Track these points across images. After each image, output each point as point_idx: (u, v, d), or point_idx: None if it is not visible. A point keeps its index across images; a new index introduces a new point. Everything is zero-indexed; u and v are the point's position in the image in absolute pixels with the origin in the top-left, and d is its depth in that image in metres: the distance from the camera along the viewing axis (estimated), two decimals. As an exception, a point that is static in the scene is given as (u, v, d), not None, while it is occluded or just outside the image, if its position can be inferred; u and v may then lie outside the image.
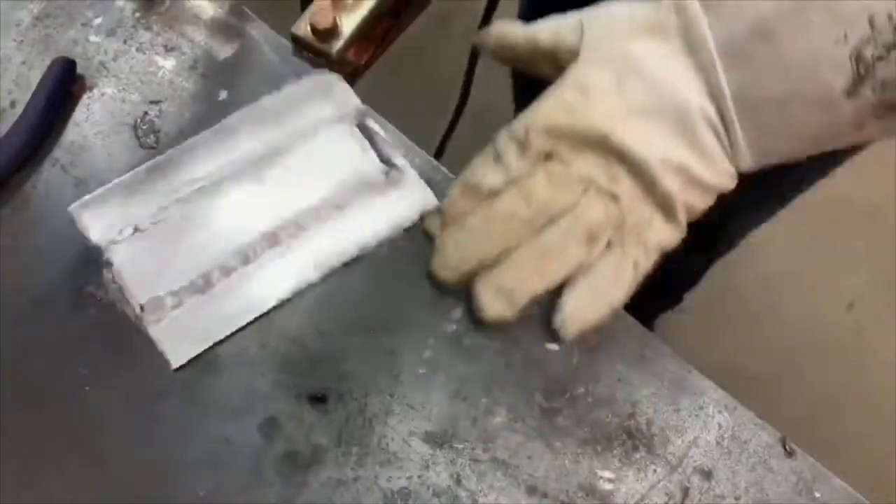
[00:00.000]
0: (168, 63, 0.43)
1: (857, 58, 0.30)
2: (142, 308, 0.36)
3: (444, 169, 0.40)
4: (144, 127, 0.41)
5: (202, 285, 0.37)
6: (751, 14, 0.32)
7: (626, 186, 0.35)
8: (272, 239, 0.38)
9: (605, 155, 0.35)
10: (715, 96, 0.33)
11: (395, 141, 0.41)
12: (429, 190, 0.39)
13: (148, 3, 0.44)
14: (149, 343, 0.36)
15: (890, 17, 0.29)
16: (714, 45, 0.33)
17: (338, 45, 0.42)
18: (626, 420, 0.35)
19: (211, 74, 0.42)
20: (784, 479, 0.34)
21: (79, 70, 0.42)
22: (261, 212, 0.39)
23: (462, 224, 0.37)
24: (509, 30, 0.38)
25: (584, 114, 0.35)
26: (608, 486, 0.34)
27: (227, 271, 0.37)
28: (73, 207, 0.38)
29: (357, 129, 0.41)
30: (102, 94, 0.42)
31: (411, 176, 0.40)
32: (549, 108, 0.36)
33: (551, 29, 0.37)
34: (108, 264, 0.37)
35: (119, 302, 0.37)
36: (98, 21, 0.43)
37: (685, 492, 0.34)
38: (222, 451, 0.34)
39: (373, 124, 0.41)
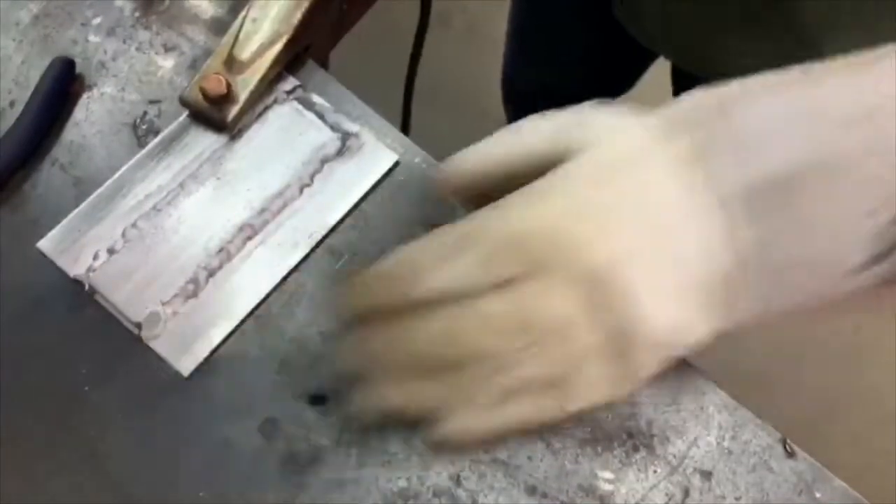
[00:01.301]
0: (167, 62, 0.42)
1: (882, 234, 0.26)
2: (139, 326, 0.36)
3: (401, 134, 0.41)
4: (144, 126, 0.41)
5: (192, 290, 0.37)
6: (776, 161, 0.27)
7: (581, 346, 0.27)
8: (248, 230, 0.38)
9: (584, 298, 0.27)
10: (737, 251, 0.27)
11: (353, 109, 0.41)
12: (388, 150, 0.40)
13: (147, 2, 0.44)
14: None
15: None
16: (738, 192, 0.27)
17: (233, 111, 0.39)
18: (627, 420, 0.35)
19: (211, 74, 0.42)
20: (784, 480, 0.34)
21: (78, 70, 0.42)
22: (229, 207, 0.39)
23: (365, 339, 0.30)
24: (478, 157, 0.30)
25: (574, 242, 0.27)
26: (608, 487, 0.34)
27: (212, 271, 0.37)
28: (41, 244, 0.37)
29: (302, 107, 0.41)
30: (102, 94, 0.42)
31: (368, 140, 0.40)
32: (534, 226, 0.28)
33: (547, 133, 0.30)
34: (94, 291, 0.37)
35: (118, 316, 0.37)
36: (97, 21, 0.43)
37: (685, 492, 0.34)
38: (222, 452, 0.34)
39: (316, 98, 0.41)
